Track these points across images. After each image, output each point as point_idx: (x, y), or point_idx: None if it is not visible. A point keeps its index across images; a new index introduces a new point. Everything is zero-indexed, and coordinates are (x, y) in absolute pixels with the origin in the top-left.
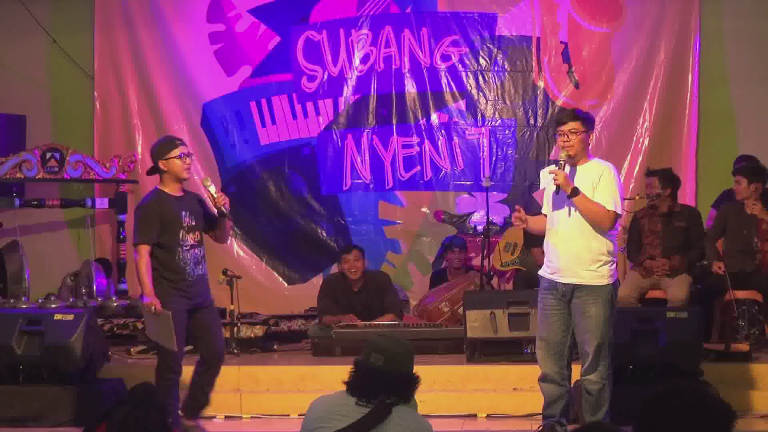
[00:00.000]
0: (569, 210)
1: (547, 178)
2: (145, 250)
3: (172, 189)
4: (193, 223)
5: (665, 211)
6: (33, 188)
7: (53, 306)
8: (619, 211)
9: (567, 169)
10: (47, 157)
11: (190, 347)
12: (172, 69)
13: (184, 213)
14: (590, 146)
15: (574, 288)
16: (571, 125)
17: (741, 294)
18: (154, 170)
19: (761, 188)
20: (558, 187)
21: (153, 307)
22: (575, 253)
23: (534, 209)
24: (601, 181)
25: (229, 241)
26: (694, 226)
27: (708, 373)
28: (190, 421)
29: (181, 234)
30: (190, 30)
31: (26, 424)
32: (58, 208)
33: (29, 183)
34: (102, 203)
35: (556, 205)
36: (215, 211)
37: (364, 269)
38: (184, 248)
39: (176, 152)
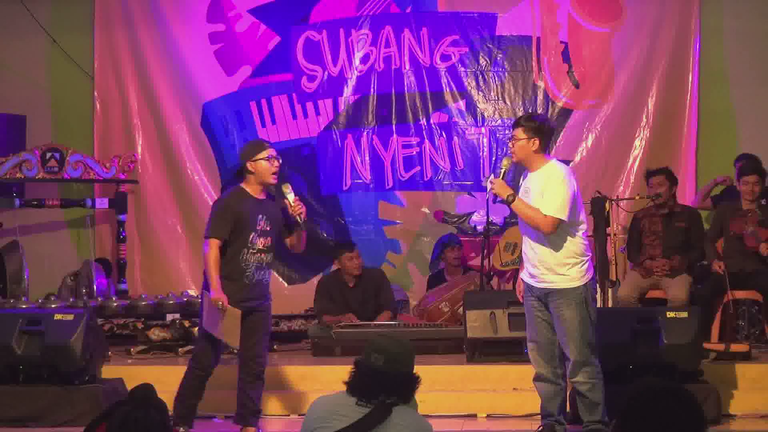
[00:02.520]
0: None
1: (488, 186)
2: (215, 244)
3: (254, 190)
4: (267, 228)
5: (665, 211)
6: (33, 188)
7: (53, 306)
8: (560, 216)
9: (508, 176)
10: (47, 157)
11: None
12: (172, 69)
13: (260, 216)
14: (547, 151)
15: (546, 293)
16: (515, 131)
17: (741, 294)
18: (240, 172)
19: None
20: (495, 195)
21: (220, 303)
22: (541, 259)
23: None
24: (547, 186)
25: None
26: (694, 226)
27: (708, 373)
28: (249, 429)
29: (251, 236)
30: (190, 30)
31: (26, 424)
32: (58, 208)
33: (29, 183)
34: (102, 203)
35: (494, 199)
36: (293, 219)
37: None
38: (251, 251)
39: (265, 154)
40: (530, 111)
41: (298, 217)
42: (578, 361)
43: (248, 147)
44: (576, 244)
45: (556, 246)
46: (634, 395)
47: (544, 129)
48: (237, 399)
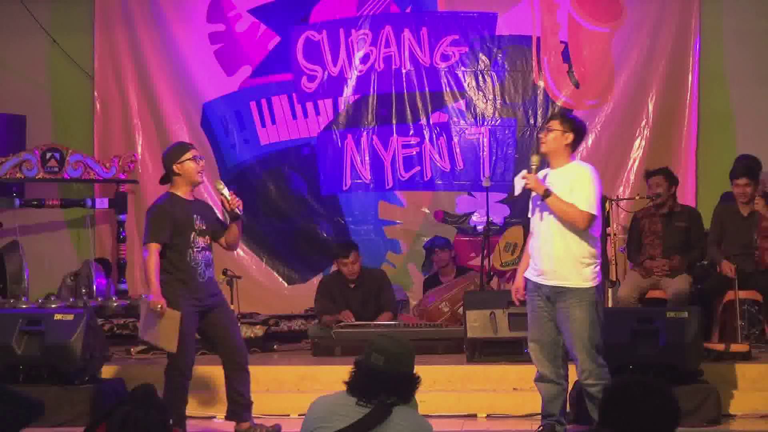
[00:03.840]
0: (548, 213)
1: (520, 183)
2: (155, 248)
3: (184, 193)
4: (204, 227)
5: (665, 211)
6: (33, 188)
7: (53, 306)
8: (593, 212)
9: (541, 174)
10: (47, 157)
11: (203, 351)
12: (172, 69)
13: (195, 216)
14: (575, 152)
15: (558, 291)
16: (550, 123)
17: (741, 294)
18: (167, 176)
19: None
20: (530, 190)
21: (159, 306)
22: (556, 255)
23: None
24: (577, 182)
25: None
26: (694, 226)
27: (708, 373)
28: (243, 424)
29: (192, 236)
30: (190, 30)
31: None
32: (58, 208)
33: (29, 183)
34: (102, 203)
35: (537, 209)
36: (226, 215)
37: (361, 266)
38: (196, 250)
39: (189, 155)
40: (530, 111)
41: (236, 210)
42: (587, 362)
43: (172, 151)
44: (592, 245)
45: (575, 244)
46: (613, 389)
47: (580, 128)
48: (226, 396)
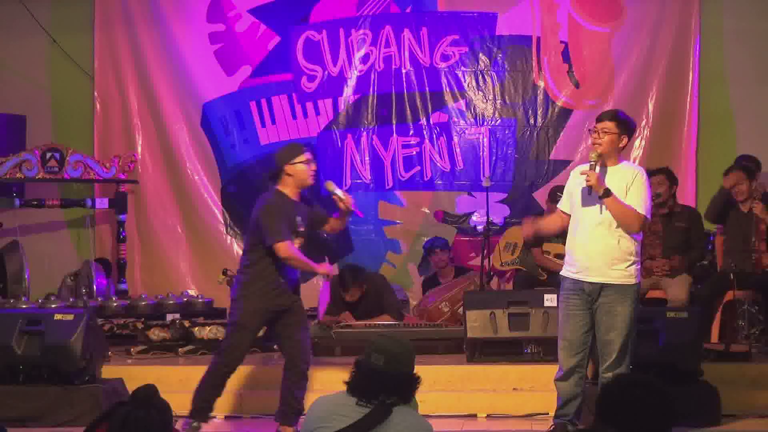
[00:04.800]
0: (600, 209)
1: (578, 179)
2: (285, 245)
3: (291, 193)
4: (301, 230)
5: (665, 212)
6: (33, 188)
7: (53, 306)
8: (648, 215)
9: (597, 169)
10: (47, 157)
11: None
12: (172, 69)
13: (298, 218)
14: (624, 151)
15: (602, 287)
16: (605, 124)
17: (741, 294)
18: (276, 174)
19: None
20: (590, 187)
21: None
22: (604, 252)
23: (534, 210)
24: (633, 185)
25: (228, 241)
26: (694, 227)
27: (708, 373)
28: (287, 428)
29: (292, 238)
30: (190, 30)
31: (26, 424)
32: (58, 208)
33: (29, 183)
34: (102, 203)
35: (586, 204)
36: (340, 212)
37: (363, 286)
38: None
39: (303, 158)
40: (530, 111)
41: (350, 208)
42: (619, 356)
43: (286, 151)
44: (635, 243)
45: (621, 241)
46: (610, 388)
47: (634, 130)
48: (281, 397)
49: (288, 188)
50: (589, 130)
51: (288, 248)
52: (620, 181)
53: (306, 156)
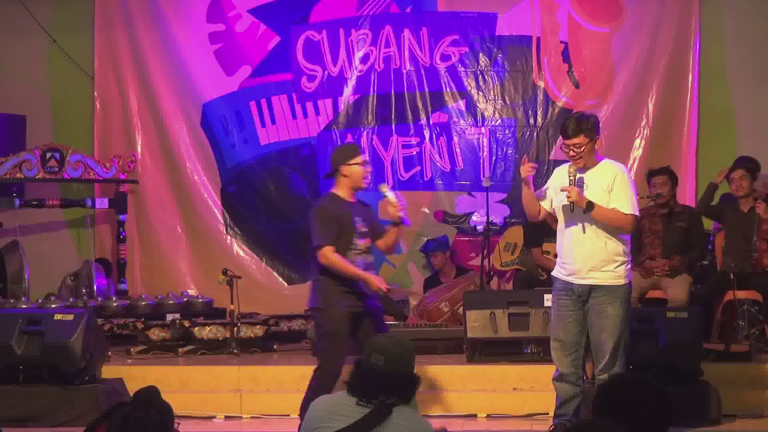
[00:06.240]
0: (583, 214)
1: (562, 178)
2: (330, 250)
3: (346, 194)
4: (365, 230)
5: (665, 211)
6: (33, 188)
7: (53, 306)
8: (636, 213)
9: (579, 175)
10: (47, 157)
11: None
12: (172, 69)
13: (357, 218)
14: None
15: (591, 288)
16: (575, 140)
17: (741, 294)
18: (332, 175)
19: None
20: (572, 203)
21: (383, 287)
22: (592, 253)
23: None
24: (616, 184)
25: (228, 241)
26: (694, 226)
27: (708, 373)
28: None
29: (354, 238)
30: (190, 30)
31: (26, 424)
32: (58, 208)
33: (29, 183)
34: (102, 203)
35: (572, 208)
36: (392, 218)
37: None
38: (355, 252)
39: (359, 160)
40: (530, 111)
41: (399, 214)
42: (612, 357)
43: (341, 152)
44: (625, 243)
45: (609, 243)
46: (605, 387)
47: (598, 125)
48: None
49: (343, 190)
50: (561, 147)
51: (328, 254)
52: (602, 180)
53: (362, 157)
